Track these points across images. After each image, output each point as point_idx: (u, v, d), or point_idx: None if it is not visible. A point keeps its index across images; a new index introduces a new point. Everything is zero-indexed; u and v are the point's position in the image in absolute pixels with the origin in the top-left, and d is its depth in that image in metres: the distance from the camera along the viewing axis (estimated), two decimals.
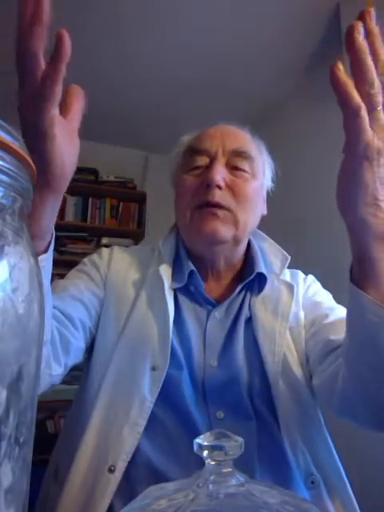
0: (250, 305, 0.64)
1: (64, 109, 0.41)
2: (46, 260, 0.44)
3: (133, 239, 2.82)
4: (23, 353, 0.18)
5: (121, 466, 0.51)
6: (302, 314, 0.66)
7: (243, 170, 0.63)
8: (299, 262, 0.78)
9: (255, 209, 0.65)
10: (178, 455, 0.53)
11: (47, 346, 0.50)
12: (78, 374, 0.65)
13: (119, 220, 2.86)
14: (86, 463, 0.52)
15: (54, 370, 0.53)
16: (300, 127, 2.11)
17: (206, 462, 0.26)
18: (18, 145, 0.19)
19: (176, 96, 2.32)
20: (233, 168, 0.63)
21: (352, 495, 0.56)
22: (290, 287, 0.66)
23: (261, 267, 0.65)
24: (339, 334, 0.54)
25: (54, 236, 0.46)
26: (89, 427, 0.54)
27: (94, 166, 2.71)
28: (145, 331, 0.60)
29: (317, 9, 1.69)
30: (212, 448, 0.25)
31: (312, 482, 0.54)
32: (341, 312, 0.63)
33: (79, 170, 2.66)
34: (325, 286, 0.74)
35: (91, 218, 2.79)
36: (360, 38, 0.36)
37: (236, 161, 0.63)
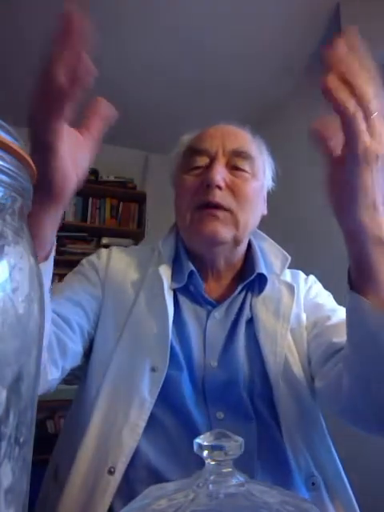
0: (251, 305, 0.64)
1: (84, 122, 0.42)
2: (46, 268, 0.44)
3: (133, 239, 2.82)
4: (23, 353, 0.18)
5: (120, 468, 0.51)
6: (303, 316, 0.66)
7: (243, 170, 0.63)
8: (299, 262, 0.78)
9: (255, 209, 0.65)
10: (177, 456, 0.53)
11: (45, 351, 0.50)
12: (79, 374, 0.65)
13: (119, 220, 2.86)
14: (86, 465, 0.52)
15: (51, 375, 0.53)
16: (300, 127, 2.10)
17: (206, 462, 0.26)
18: (17, 145, 0.19)
19: (176, 96, 2.32)
20: (233, 168, 0.63)
21: (353, 497, 0.56)
22: (291, 288, 0.66)
23: (261, 268, 0.65)
24: (342, 337, 0.54)
25: (54, 245, 0.46)
26: (89, 428, 0.54)
27: (94, 165, 2.71)
28: (144, 332, 0.59)
29: (317, 9, 1.69)
30: (212, 448, 0.25)
31: (312, 484, 0.54)
32: (343, 314, 0.62)
33: None
34: (325, 287, 0.74)
35: (91, 218, 2.79)
36: (341, 62, 0.37)
37: (236, 161, 0.63)
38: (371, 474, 1.35)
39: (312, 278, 0.75)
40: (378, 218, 0.40)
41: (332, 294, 0.72)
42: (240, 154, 0.63)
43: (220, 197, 0.60)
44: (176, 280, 0.64)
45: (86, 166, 0.43)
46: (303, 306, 0.67)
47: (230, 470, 0.25)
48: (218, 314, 0.63)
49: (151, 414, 0.54)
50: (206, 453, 0.25)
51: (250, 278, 0.64)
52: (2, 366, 0.17)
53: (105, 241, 2.72)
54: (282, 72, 2.08)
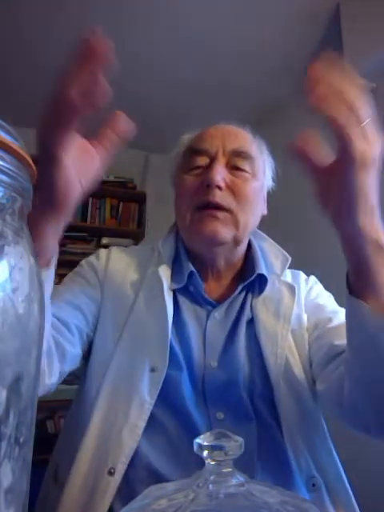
0: (251, 306, 0.64)
1: (100, 133, 0.42)
2: (48, 275, 0.44)
3: (133, 239, 2.82)
4: (23, 353, 0.18)
5: (120, 469, 0.51)
6: (304, 317, 0.66)
7: (243, 170, 0.63)
8: (299, 263, 0.78)
9: (255, 209, 0.65)
10: (177, 456, 0.53)
11: (44, 355, 0.50)
12: (79, 374, 0.65)
13: (119, 220, 2.86)
14: (86, 465, 0.52)
15: (49, 379, 0.53)
16: (300, 127, 2.10)
17: (206, 462, 0.26)
18: (17, 145, 0.19)
19: (176, 96, 2.32)
20: (233, 168, 0.63)
21: (353, 500, 0.56)
22: (292, 288, 0.66)
23: (261, 268, 0.65)
24: (343, 339, 0.53)
25: (57, 252, 0.46)
26: (89, 429, 0.54)
27: None
28: (143, 332, 0.59)
29: (317, 9, 1.69)
30: (212, 448, 0.25)
31: (313, 485, 0.54)
32: (344, 316, 0.63)
33: None
34: (326, 287, 0.74)
35: (91, 218, 2.79)
36: (322, 86, 0.37)
37: (236, 161, 0.63)
38: (371, 476, 1.35)
39: (313, 278, 0.74)
40: (375, 221, 0.40)
41: (333, 294, 0.72)
42: (240, 154, 0.63)
43: (220, 197, 0.60)
44: (176, 280, 0.64)
45: (95, 177, 0.43)
46: (304, 306, 0.67)
47: (230, 469, 0.25)
48: (217, 314, 0.63)
49: (151, 414, 0.54)
50: (205, 453, 0.25)
51: (250, 279, 0.64)
52: (2, 366, 0.17)
53: (105, 241, 2.72)
54: (282, 72, 2.08)
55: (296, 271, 0.74)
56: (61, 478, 0.54)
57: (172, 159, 0.71)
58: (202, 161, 0.63)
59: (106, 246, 0.75)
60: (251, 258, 0.68)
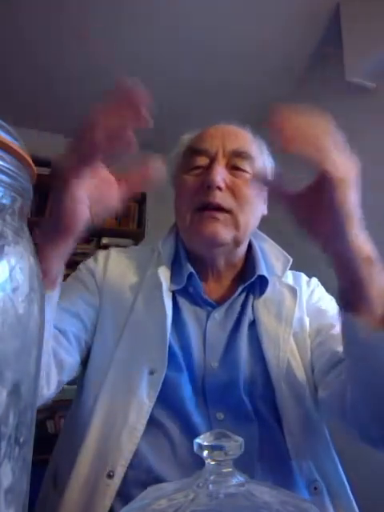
0: (253, 308, 0.64)
1: (128, 173, 0.44)
2: (51, 298, 0.46)
3: (133, 239, 2.82)
4: (23, 353, 0.18)
5: (119, 471, 0.51)
6: (306, 320, 0.66)
7: (244, 171, 0.63)
8: (300, 264, 0.77)
9: (256, 209, 0.65)
10: (177, 457, 0.53)
11: (42, 368, 0.50)
12: (78, 378, 0.65)
13: (119, 220, 2.86)
14: (86, 469, 0.52)
15: (47, 390, 0.53)
16: None
17: (206, 462, 0.26)
18: (17, 145, 0.19)
19: (176, 96, 2.32)
20: (233, 168, 0.62)
21: (355, 505, 0.56)
22: (293, 291, 0.66)
23: (262, 269, 0.65)
24: None
25: (61, 275, 0.48)
26: (88, 433, 0.54)
27: None
28: (142, 334, 0.59)
29: (317, 9, 1.69)
30: (212, 448, 0.25)
31: (315, 488, 0.53)
32: None
33: None
34: (327, 289, 0.73)
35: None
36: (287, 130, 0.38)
37: (236, 161, 0.62)
38: (371, 476, 1.34)
39: (314, 280, 0.74)
40: (362, 235, 0.41)
41: (334, 297, 0.72)
42: (240, 154, 0.63)
43: (220, 198, 0.59)
44: (175, 282, 0.64)
45: (111, 209, 0.45)
46: (306, 310, 0.67)
47: (230, 469, 0.25)
48: (217, 315, 0.63)
49: (151, 415, 0.54)
50: (206, 453, 0.25)
51: (250, 280, 0.64)
52: (2, 366, 0.17)
53: (105, 241, 2.72)
54: (282, 72, 2.08)
55: (297, 273, 0.74)
56: (60, 482, 0.54)
57: (172, 159, 0.71)
58: (202, 161, 0.63)
59: (105, 246, 0.75)
60: (252, 258, 0.68)
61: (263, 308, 0.63)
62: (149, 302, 0.62)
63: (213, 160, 0.62)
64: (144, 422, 0.54)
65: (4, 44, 1.91)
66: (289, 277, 0.71)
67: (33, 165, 0.21)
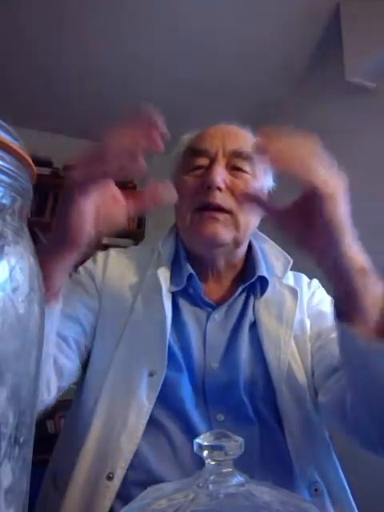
0: (254, 309, 0.64)
1: (138, 194, 0.45)
2: (53, 311, 0.46)
3: (133, 239, 2.82)
4: (23, 353, 0.18)
5: (119, 473, 0.51)
6: (307, 323, 0.65)
7: (244, 171, 0.62)
8: (300, 265, 0.77)
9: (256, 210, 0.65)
10: (177, 457, 0.53)
11: (42, 376, 0.51)
12: (78, 381, 0.64)
13: None
14: (86, 471, 0.52)
15: (48, 396, 0.53)
16: (300, 127, 2.10)
17: (206, 462, 0.26)
18: (17, 145, 0.19)
19: (176, 96, 2.32)
20: (233, 168, 0.62)
21: (355, 507, 0.56)
22: (294, 292, 0.65)
23: (262, 270, 0.65)
24: None
25: (64, 287, 0.48)
26: (89, 434, 0.54)
27: None
28: (142, 336, 0.59)
29: (317, 9, 1.69)
30: (212, 448, 0.25)
31: (315, 490, 0.53)
32: None
33: None
34: (327, 290, 0.73)
35: None
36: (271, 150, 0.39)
37: (236, 161, 0.62)
38: (370, 477, 1.34)
39: (315, 282, 0.73)
40: (355, 246, 0.41)
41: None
42: (240, 154, 0.63)
43: (220, 198, 0.59)
44: (175, 283, 0.63)
45: (117, 225, 0.45)
46: (306, 311, 0.67)
47: (230, 469, 0.25)
48: (217, 315, 0.63)
49: (151, 416, 0.54)
50: (205, 453, 0.25)
51: (250, 281, 0.64)
52: (1, 367, 0.17)
53: (105, 240, 2.72)
54: (282, 72, 2.08)
55: (298, 274, 0.74)
56: (60, 482, 0.54)
57: (172, 159, 0.71)
58: (202, 161, 0.63)
59: (105, 246, 0.75)
60: (252, 259, 0.68)
61: (264, 309, 0.63)
62: (148, 303, 0.62)
63: (213, 160, 0.62)
64: (143, 423, 0.53)
65: (4, 44, 1.91)
66: (290, 278, 0.71)
67: (33, 165, 0.21)
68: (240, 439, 0.26)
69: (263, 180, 0.67)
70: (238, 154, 0.62)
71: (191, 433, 0.53)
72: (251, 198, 0.48)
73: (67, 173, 0.40)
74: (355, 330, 0.42)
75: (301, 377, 0.60)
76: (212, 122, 0.68)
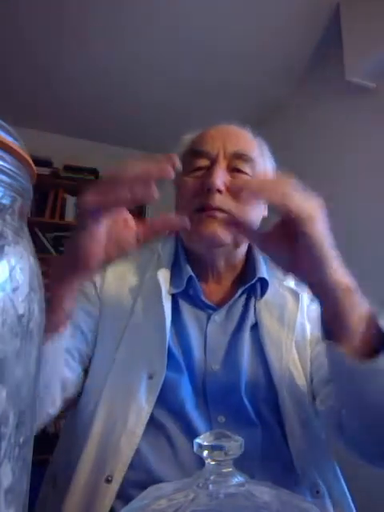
0: (255, 310, 0.63)
1: (150, 222, 0.47)
2: (58, 339, 0.47)
3: None
4: (23, 353, 0.18)
5: (118, 476, 0.51)
6: (307, 326, 0.65)
7: (244, 173, 0.62)
8: None
9: (256, 211, 0.65)
10: (178, 458, 0.53)
11: (46, 390, 0.51)
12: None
13: None
14: (86, 474, 0.52)
15: (52, 408, 0.53)
16: (300, 127, 2.11)
17: (206, 462, 0.26)
18: (17, 145, 0.19)
19: (176, 96, 2.32)
20: (234, 170, 0.62)
21: (354, 510, 0.56)
22: (296, 294, 0.65)
23: (262, 272, 0.64)
24: None
25: (70, 317, 0.49)
26: (89, 437, 0.54)
27: (94, 165, 2.70)
28: (142, 338, 0.59)
29: (317, 9, 1.69)
30: (212, 448, 0.25)
31: (317, 491, 0.53)
32: None
33: (79, 170, 2.66)
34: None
35: None
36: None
37: (237, 163, 0.62)
38: (370, 477, 1.34)
39: None
40: (340, 267, 0.43)
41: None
42: (241, 156, 0.62)
43: (220, 201, 0.59)
44: (175, 284, 0.63)
45: (126, 249, 0.46)
46: (306, 315, 0.66)
47: (230, 469, 0.25)
48: (218, 317, 0.63)
49: (152, 416, 0.54)
50: (205, 453, 0.25)
51: (250, 282, 0.64)
52: (1, 366, 0.17)
53: None
54: (282, 72, 2.08)
55: None
56: (60, 482, 0.54)
57: None
58: (203, 163, 0.62)
59: None
60: (252, 260, 0.67)
61: (265, 311, 0.63)
62: (148, 305, 0.62)
63: (213, 162, 0.61)
64: (143, 425, 0.53)
65: (4, 44, 1.91)
66: (291, 280, 0.71)
67: (33, 165, 0.21)
68: (240, 439, 0.26)
69: None
70: (238, 156, 0.62)
71: (191, 433, 0.53)
72: (235, 224, 0.51)
73: (81, 200, 0.41)
74: (342, 349, 0.43)
75: (301, 383, 0.60)
76: (212, 122, 0.68)
